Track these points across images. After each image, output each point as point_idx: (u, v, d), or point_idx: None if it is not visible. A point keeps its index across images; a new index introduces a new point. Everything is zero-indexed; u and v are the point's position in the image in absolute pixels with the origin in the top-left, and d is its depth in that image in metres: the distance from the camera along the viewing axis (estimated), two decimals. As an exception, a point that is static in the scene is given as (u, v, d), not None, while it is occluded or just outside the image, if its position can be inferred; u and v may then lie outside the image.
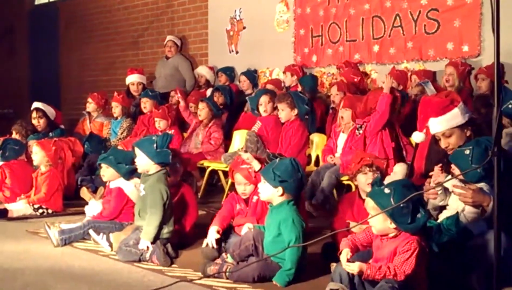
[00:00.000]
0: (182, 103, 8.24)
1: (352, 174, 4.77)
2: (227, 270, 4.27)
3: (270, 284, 4.15)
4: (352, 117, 6.44)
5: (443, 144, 4.65)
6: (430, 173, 4.36)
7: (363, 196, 4.60)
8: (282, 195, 4.28)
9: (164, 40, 10.58)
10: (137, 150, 5.05)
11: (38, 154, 6.56)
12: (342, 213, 4.77)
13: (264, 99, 7.28)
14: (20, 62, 14.42)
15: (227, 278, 4.24)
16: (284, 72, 8.74)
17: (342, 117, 6.55)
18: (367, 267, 3.47)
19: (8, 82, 14.32)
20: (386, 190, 3.55)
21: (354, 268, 3.50)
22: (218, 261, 4.45)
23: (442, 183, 4.12)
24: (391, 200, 3.49)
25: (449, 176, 4.14)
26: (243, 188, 4.99)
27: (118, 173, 5.49)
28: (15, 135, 7.96)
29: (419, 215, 3.48)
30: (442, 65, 7.28)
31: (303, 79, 8.26)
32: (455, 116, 4.58)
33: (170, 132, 7.44)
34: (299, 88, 8.07)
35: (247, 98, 8.23)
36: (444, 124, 4.61)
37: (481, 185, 4.07)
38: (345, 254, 3.60)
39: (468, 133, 4.58)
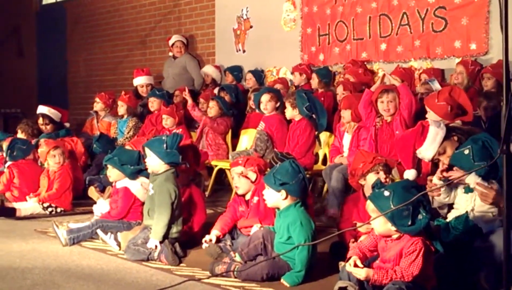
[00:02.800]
0: (189, 101, 8.21)
1: (363, 173, 4.70)
2: (235, 269, 4.27)
3: (278, 283, 4.15)
4: (352, 117, 6.43)
5: (445, 161, 4.62)
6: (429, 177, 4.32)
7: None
8: (286, 198, 4.28)
9: (170, 40, 10.58)
10: (147, 151, 5.07)
11: (62, 155, 6.64)
12: (348, 213, 4.76)
13: (265, 97, 7.26)
14: (28, 62, 14.47)
15: (235, 277, 4.24)
16: (292, 73, 8.73)
17: (343, 116, 6.55)
18: (374, 272, 3.47)
19: (15, 82, 14.36)
20: (386, 193, 3.55)
21: (361, 273, 3.50)
22: (226, 260, 4.45)
23: (456, 179, 4.10)
24: (391, 203, 3.48)
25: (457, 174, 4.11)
26: (236, 180, 5.06)
27: (123, 174, 5.51)
28: (20, 135, 7.97)
29: (420, 217, 3.47)
30: (450, 63, 7.27)
31: (320, 71, 8.28)
32: (436, 133, 4.59)
33: (177, 131, 7.49)
34: (315, 81, 8.10)
35: (250, 94, 8.26)
36: (432, 146, 4.61)
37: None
38: (352, 260, 3.58)
39: (456, 138, 4.58)
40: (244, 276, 4.21)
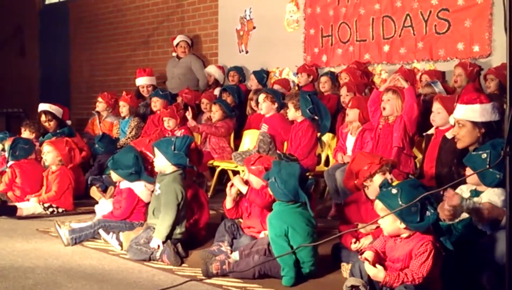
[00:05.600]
0: (190, 123, 8.08)
1: (370, 174, 4.60)
2: (229, 266, 4.29)
3: (279, 283, 4.16)
4: (359, 118, 6.42)
5: (454, 130, 4.63)
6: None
7: (373, 197, 4.57)
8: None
9: (174, 40, 10.58)
10: (155, 150, 5.11)
11: (50, 153, 6.59)
12: (348, 214, 4.74)
13: (260, 97, 7.38)
14: (31, 62, 14.50)
15: (229, 274, 4.26)
16: (299, 72, 8.69)
17: (347, 114, 6.54)
18: (385, 274, 3.46)
19: (18, 82, 14.42)
20: (394, 191, 3.57)
21: (375, 272, 3.48)
22: (221, 257, 4.48)
23: (456, 205, 4.05)
24: (399, 200, 3.50)
25: (461, 196, 4.06)
26: (247, 176, 5.02)
27: (121, 177, 5.52)
28: (29, 135, 7.94)
29: (428, 214, 3.49)
30: (453, 65, 7.25)
31: (332, 74, 8.31)
32: (474, 111, 4.54)
33: (180, 132, 7.50)
34: (328, 84, 8.12)
35: (251, 95, 8.30)
36: (461, 112, 4.58)
37: (498, 191, 4.02)
38: (370, 257, 3.57)
39: (479, 134, 4.54)
40: (237, 272, 4.25)
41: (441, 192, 4.12)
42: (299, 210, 4.33)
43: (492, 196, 4.05)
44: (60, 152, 6.62)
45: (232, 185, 4.90)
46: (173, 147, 5.01)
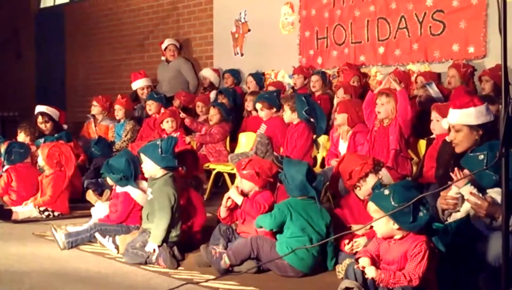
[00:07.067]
0: (187, 120, 8.14)
1: (366, 174, 4.63)
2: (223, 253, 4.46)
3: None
4: (348, 122, 6.40)
5: (450, 135, 4.63)
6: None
7: (364, 197, 4.60)
8: None
9: (162, 44, 10.59)
10: (142, 156, 5.08)
11: (39, 157, 6.62)
12: (343, 216, 4.74)
13: (258, 106, 7.43)
14: (26, 65, 14.48)
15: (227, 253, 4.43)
16: (295, 73, 8.67)
17: (335, 118, 6.54)
18: (381, 271, 3.47)
19: (14, 85, 14.40)
20: (386, 192, 3.59)
21: (370, 271, 3.49)
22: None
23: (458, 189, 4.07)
24: (391, 200, 3.51)
25: (467, 183, 4.06)
26: (238, 181, 5.01)
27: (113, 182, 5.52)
28: (25, 137, 7.92)
29: (420, 214, 3.50)
30: (448, 66, 7.26)
31: (323, 74, 8.34)
32: (469, 115, 4.53)
33: (175, 135, 7.49)
34: (319, 83, 8.15)
35: (246, 96, 8.30)
36: (456, 117, 4.57)
37: (496, 190, 4.03)
38: (366, 262, 3.56)
39: (477, 137, 4.53)
40: (234, 250, 4.41)
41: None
42: (308, 207, 4.47)
43: (494, 194, 4.05)
44: (47, 157, 6.54)
45: (228, 197, 4.88)
46: (160, 150, 4.99)
